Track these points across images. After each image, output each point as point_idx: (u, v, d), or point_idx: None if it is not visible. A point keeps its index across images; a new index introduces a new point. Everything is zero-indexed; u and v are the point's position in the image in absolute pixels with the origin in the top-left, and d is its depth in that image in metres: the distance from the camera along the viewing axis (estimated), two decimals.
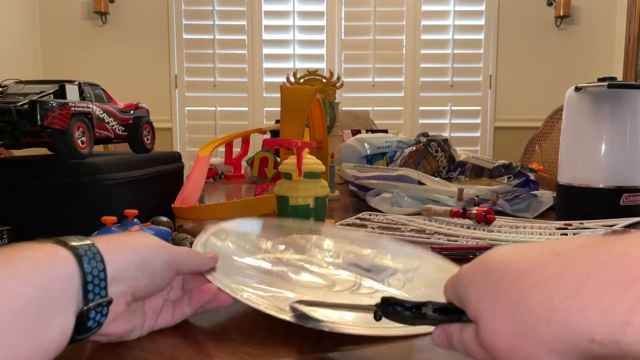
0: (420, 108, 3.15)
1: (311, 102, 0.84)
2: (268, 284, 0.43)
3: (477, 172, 1.12)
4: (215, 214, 0.79)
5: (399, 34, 3.11)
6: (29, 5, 3.01)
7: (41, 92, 0.66)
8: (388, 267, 0.49)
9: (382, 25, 3.10)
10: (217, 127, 3.10)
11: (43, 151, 0.82)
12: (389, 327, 0.34)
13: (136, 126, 0.84)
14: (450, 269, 0.48)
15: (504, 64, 3.13)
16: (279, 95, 0.83)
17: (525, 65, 3.13)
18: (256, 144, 1.24)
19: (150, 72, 3.11)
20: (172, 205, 0.79)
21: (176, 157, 0.91)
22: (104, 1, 2.99)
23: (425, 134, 1.22)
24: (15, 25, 2.90)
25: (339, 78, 1.28)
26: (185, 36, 3.10)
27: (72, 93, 0.69)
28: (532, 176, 0.98)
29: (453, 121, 3.14)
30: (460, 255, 0.59)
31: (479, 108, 3.15)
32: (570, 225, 0.75)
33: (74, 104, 0.66)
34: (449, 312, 0.30)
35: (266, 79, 3.12)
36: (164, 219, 0.67)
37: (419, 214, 0.87)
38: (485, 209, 0.76)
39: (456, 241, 0.69)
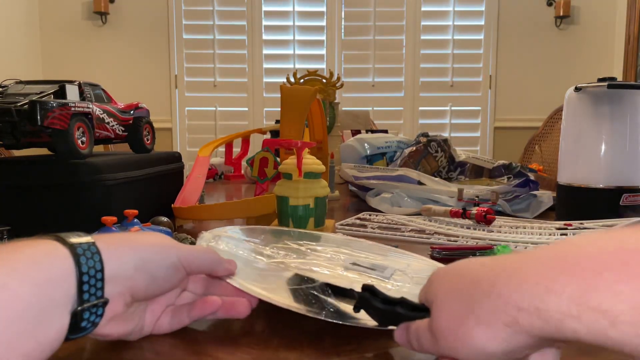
0: (420, 108, 3.15)
1: (311, 102, 0.84)
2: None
3: (477, 172, 1.13)
4: (215, 214, 0.79)
5: (399, 34, 3.11)
6: (29, 5, 3.01)
7: (41, 92, 0.66)
8: (387, 266, 0.49)
9: (382, 25, 3.10)
10: (217, 127, 3.10)
11: (43, 151, 0.82)
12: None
13: (136, 126, 0.84)
14: (435, 264, 0.51)
15: (504, 64, 3.13)
16: (279, 95, 0.83)
17: (525, 65, 3.13)
18: (256, 144, 1.24)
19: (150, 72, 3.11)
20: (172, 205, 0.79)
21: (176, 157, 0.91)
22: (104, 1, 2.99)
23: (425, 134, 1.22)
24: (15, 25, 2.90)
25: (339, 78, 1.28)
26: (185, 36, 3.10)
27: (72, 93, 0.69)
28: (532, 176, 0.98)
29: (453, 121, 3.14)
30: (460, 255, 0.59)
31: (479, 108, 3.15)
32: (570, 225, 0.75)
33: (74, 104, 0.66)
34: (419, 311, 0.31)
35: (266, 79, 3.12)
36: (164, 219, 0.67)
37: (418, 214, 0.87)
38: (485, 209, 0.76)
39: (456, 241, 0.69)
